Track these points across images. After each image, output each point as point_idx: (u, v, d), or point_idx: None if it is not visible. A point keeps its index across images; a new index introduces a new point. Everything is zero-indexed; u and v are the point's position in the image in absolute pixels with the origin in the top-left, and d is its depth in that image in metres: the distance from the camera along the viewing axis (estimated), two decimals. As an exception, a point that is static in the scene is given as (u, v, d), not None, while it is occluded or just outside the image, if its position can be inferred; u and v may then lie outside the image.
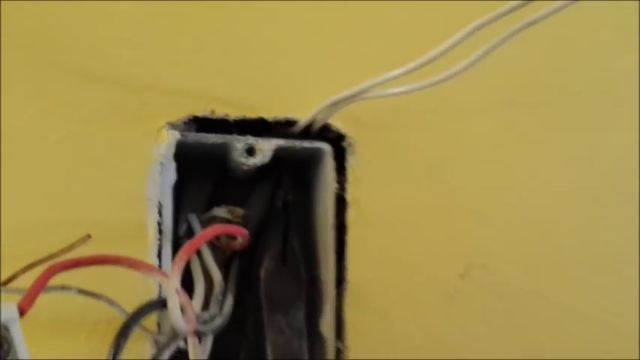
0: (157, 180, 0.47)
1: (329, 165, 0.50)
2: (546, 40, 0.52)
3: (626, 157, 0.53)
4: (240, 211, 0.50)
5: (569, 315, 0.51)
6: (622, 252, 0.52)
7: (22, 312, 0.34)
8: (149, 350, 0.43)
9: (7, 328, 0.33)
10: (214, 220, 0.48)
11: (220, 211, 0.49)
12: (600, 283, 0.52)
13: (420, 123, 0.51)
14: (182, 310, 0.38)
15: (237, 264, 0.49)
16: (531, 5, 0.38)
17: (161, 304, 0.37)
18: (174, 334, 0.38)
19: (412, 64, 0.40)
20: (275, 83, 0.50)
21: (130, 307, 0.40)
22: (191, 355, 0.40)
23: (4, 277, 0.39)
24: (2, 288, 0.37)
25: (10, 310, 0.34)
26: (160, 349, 0.38)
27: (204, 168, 0.52)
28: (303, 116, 0.49)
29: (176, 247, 0.47)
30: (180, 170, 0.48)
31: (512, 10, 0.38)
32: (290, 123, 0.50)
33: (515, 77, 0.53)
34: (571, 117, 0.53)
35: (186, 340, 0.41)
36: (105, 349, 0.41)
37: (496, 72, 0.50)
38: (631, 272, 0.52)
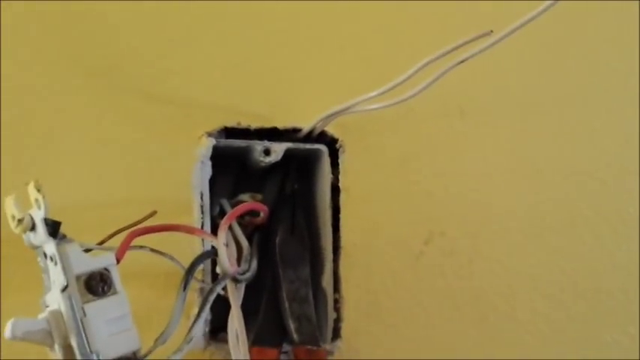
0: (198, 174, 0.57)
1: (326, 161, 0.60)
2: (491, 60, 0.57)
3: (545, 150, 0.64)
4: (259, 196, 0.60)
5: (504, 269, 0.62)
6: (545, 222, 0.63)
7: (117, 260, 0.45)
8: (196, 298, 0.55)
9: (108, 270, 0.44)
10: (240, 202, 0.57)
11: (245, 197, 0.59)
12: (528, 245, 0.62)
13: (390, 128, 0.61)
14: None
15: (258, 236, 0.58)
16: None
17: (213, 253, 0.50)
18: (221, 277, 0.49)
19: (383, 89, 0.51)
20: (285, 101, 0.60)
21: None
22: (231, 297, 0.51)
23: (97, 241, 0.49)
24: (99, 246, 0.48)
25: (110, 257, 0.45)
26: (210, 289, 0.49)
27: (229, 166, 0.61)
28: (306, 125, 0.59)
29: (212, 225, 0.57)
30: (213, 168, 0.58)
31: (457, 48, 0.50)
32: (296, 130, 0.60)
33: (463, 92, 0.63)
34: (504, 122, 0.64)
35: (225, 289, 0.51)
36: (162, 296, 0.53)
37: (449, 87, 0.57)
38: (551, 236, 0.63)
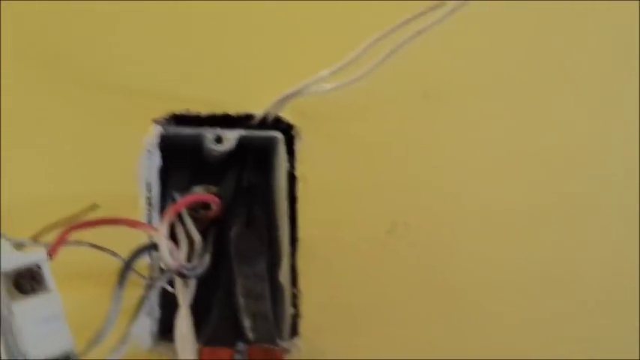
0: (145, 164, 0.54)
1: (282, 149, 0.57)
2: (454, 39, 0.59)
3: (514, 134, 0.62)
4: (213, 188, 0.57)
5: (472, 260, 0.59)
6: (515, 210, 0.60)
7: (50, 256, 0.42)
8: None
9: (39, 267, 0.41)
10: None
11: (198, 189, 0.56)
12: (497, 234, 0.60)
13: (348, 114, 0.58)
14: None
15: (213, 230, 0.55)
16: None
17: (153, 246, 0.46)
18: (165, 271, 0.47)
19: (335, 67, 0.49)
20: (236, 86, 0.58)
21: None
22: (179, 294, 0.49)
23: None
24: (32, 241, 0.47)
25: (41, 253, 0.42)
26: (150, 283, 0.47)
27: (184, 159, 0.58)
28: (259, 112, 0.56)
29: None
30: (165, 160, 0.56)
31: (409, 21, 0.48)
32: (249, 117, 0.57)
33: (427, 74, 0.60)
34: (470, 105, 0.61)
35: (173, 285, 0.50)
36: (107, 296, 0.49)
37: (412, 70, 0.58)
38: (522, 224, 0.60)
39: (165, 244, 0.46)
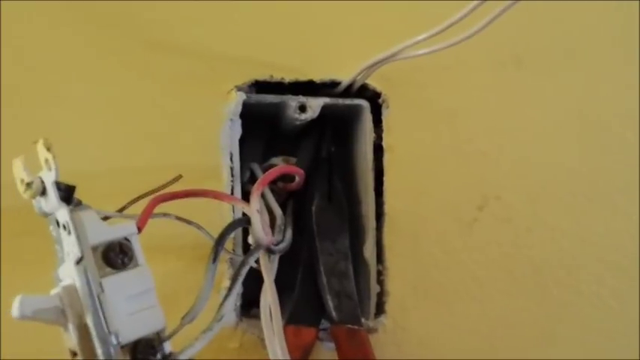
0: (227, 133, 0.52)
1: (367, 118, 0.55)
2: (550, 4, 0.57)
3: (613, 104, 0.58)
4: (293, 159, 0.56)
5: (567, 237, 0.56)
6: (613, 184, 0.57)
7: (138, 229, 0.40)
8: (226, 270, 0.51)
9: (128, 240, 0.39)
10: (273, 167, 0.52)
11: (277, 160, 0.56)
12: (593, 210, 0.56)
13: (438, 80, 0.56)
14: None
15: (293, 204, 0.54)
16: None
17: (246, 221, 0.44)
18: (254, 247, 0.44)
19: (433, 30, 0.45)
20: (321, 52, 0.55)
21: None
22: (264, 270, 0.45)
23: (115, 209, 0.44)
24: (118, 214, 0.45)
25: (131, 226, 0.40)
26: (241, 262, 0.44)
27: (260, 128, 0.58)
28: (345, 78, 0.54)
29: (242, 191, 0.53)
30: (242, 128, 0.53)
31: None
32: (334, 84, 0.54)
33: (519, 41, 0.57)
34: (565, 72, 0.58)
35: (257, 262, 0.47)
36: (189, 269, 0.49)
37: (504, 35, 0.55)
38: (620, 200, 0.57)
39: (257, 218, 0.44)
